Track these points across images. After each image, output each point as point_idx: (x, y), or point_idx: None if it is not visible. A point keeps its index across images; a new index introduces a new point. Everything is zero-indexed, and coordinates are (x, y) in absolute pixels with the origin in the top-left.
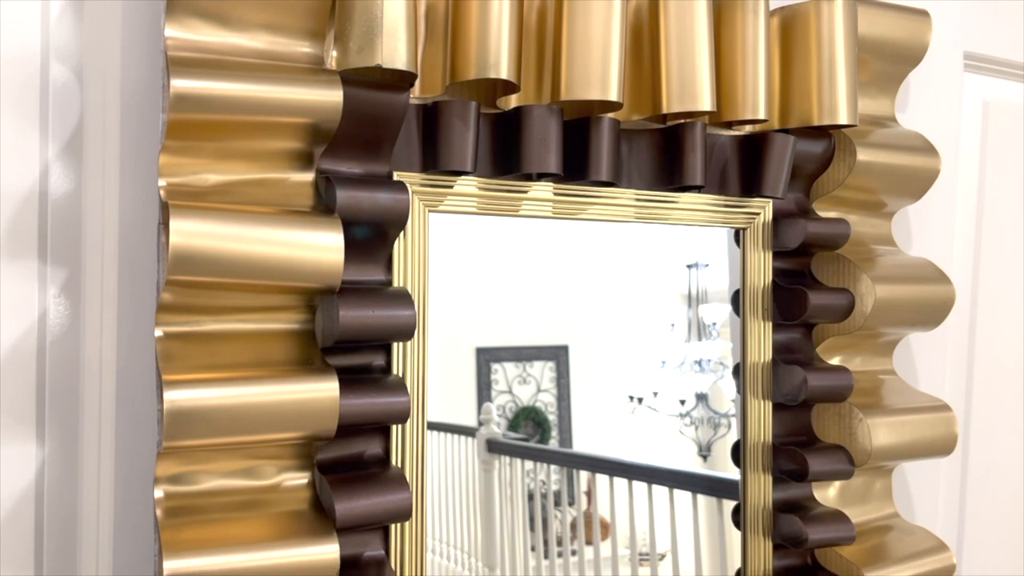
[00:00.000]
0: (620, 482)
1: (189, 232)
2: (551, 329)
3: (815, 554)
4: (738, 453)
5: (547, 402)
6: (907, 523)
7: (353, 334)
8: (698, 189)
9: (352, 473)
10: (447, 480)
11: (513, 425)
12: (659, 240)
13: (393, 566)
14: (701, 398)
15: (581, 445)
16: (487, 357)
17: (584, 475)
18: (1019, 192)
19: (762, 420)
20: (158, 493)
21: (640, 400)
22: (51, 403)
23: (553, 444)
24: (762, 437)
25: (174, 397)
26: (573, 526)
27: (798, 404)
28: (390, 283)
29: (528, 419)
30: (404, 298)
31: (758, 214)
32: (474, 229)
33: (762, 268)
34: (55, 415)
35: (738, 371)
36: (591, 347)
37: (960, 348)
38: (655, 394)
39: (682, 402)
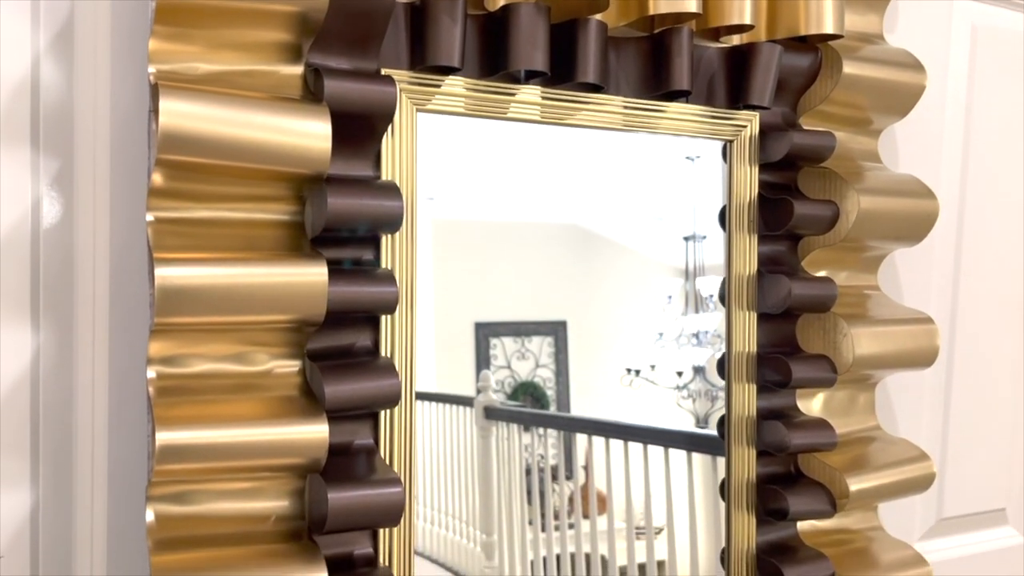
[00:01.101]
0: (617, 454)
1: (179, 113)
2: (549, 304)
3: (798, 462)
4: (723, 365)
5: (546, 377)
6: (889, 435)
7: (341, 222)
8: (685, 96)
9: (341, 361)
10: (445, 451)
11: (512, 400)
12: (657, 211)
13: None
14: (699, 371)
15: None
16: (486, 332)
17: (582, 449)
18: (1007, 116)
19: (747, 331)
20: (151, 373)
21: (638, 372)
22: (45, 290)
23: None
24: (747, 347)
25: (165, 274)
26: (570, 500)
27: (783, 314)
28: (379, 179)
29: (527, 394)
30: (392, 189)
31: (745, 127)
32: (474, 211)
33: (748, 181)
34: (50, 302)
35: (724, 286)
36: (589, 322)
37: (946, 268)
38: (652, 367)
39: (679, 374)
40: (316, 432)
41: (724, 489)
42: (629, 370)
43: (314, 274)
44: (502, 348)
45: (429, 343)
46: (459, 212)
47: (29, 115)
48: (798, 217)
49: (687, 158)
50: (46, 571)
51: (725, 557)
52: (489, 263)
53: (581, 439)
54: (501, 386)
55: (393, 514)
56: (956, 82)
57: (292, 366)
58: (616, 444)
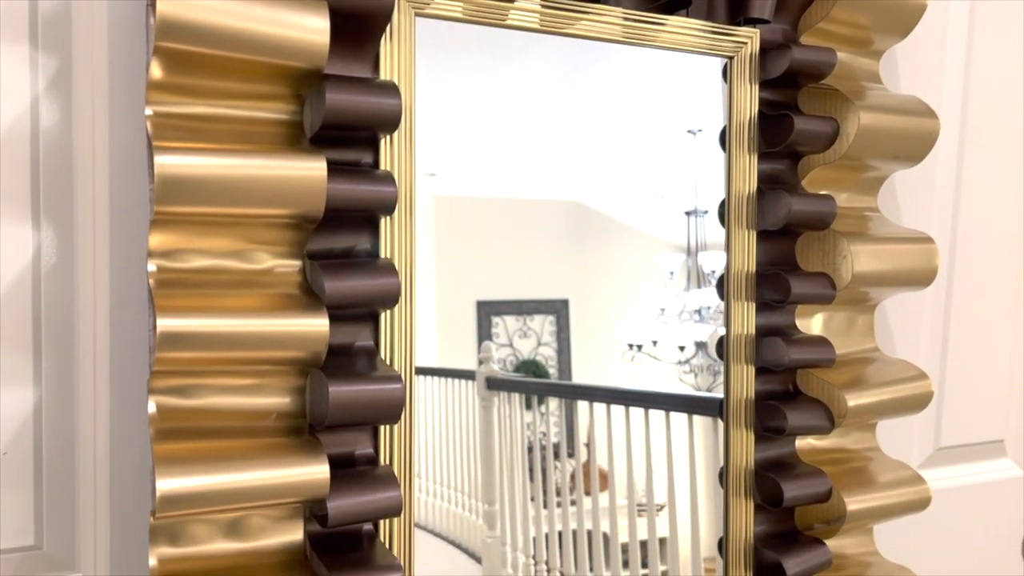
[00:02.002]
0: (618, 427)
1: (175, 1)
2: (551, 283)
3: (796, 381)
4: (722, 286)
5: (547, 356)
6: (888, 356)
7: (339, 118)
8: (685, 6)
9: (341, 260)
10: (446, 424)
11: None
12: (659, 188)
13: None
14: (700, 346)
15: (581, 404)
16: (488, 310)
17: (583, 426)
18: (1010, 37)
19: (746, 249)
20: (151, 267)
21: (640, 347)
22: (46, 188)
23: (552, 397)
24: (746, 266)
25: (165, 162)
26: (572, 477)
27: (782, 233)
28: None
29: (529, 372)
30: (391, 88)
31: (745, 43)
32: (475, 187)
33: (748, 100)
34: (50, 200)
35: (724, 206)
36: (591, 301)
37: (946, 192)
38: (654, 343)
39: (681, 348)
40: (316, 325)
41: (723, 408)
42: (631, 345)
43: (313, 168)
44: (504, 326)
45: (431, 322)
46: (460, 188)
47: (27, 13)
48: (798, 132)
49: (688, 131)
50: (49, 468)
51: (723, 474)
52: (490, 241)
53: (583, 416)
54: (503, 364)
55: (393, 410)
56: (958, 2)
57: (292, 266)
58: (618, 414)
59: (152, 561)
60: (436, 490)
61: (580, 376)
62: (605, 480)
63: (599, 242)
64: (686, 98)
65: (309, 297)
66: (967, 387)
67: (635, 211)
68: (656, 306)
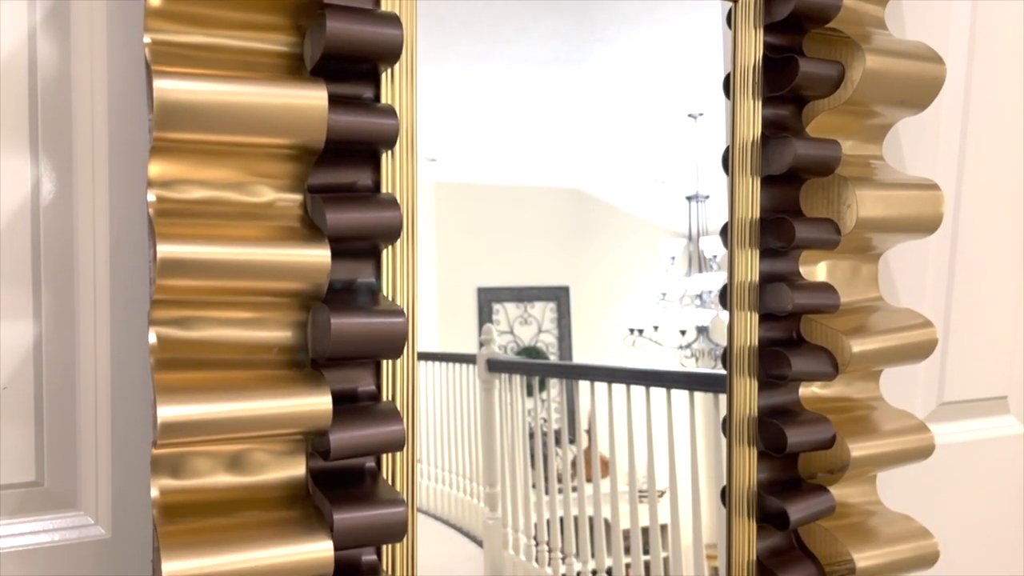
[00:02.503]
0: (620, 408)
1: None
2: (552, 270)
3: (800, 329)
4: (726, 234)
5: (548, 342)
6: (892, 306)
7: (340, 47)
8: None
9: (342, 194)
10: (448, 408)
11: None
12: (660, 174)
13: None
14: (702, 331)
15: (582, 387)
16: (488, 297)
17: (585, 412)
18: None
19: (750, 195)
20: (151, 197)
21: (641, 332)
22: (44, 121)
23: (553, 384)
24: (750, 213)
25: (164, 87)
26: (573, 464)
27: (787, 180)
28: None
29: (530, 359)
30: (392, 18)
31: None
32: (476, 174)
33: (753, 45)
34: (48, 132)
35: (727, 153)
36: (592, 287)
37: (951, 141)
38: (655, 328)
39: (683, 333)
40: (318, 256)
41: (726, 358)
42: (632, 330)
43: (314, 97)
44: (504, 313)
45: (432, 308)
46: (461, 174)
47: None
48: (803, 75)
49: (689, 116)
50: (50, 403)
51: (726, 424)
52: (491, 227)
53: (584, 403)
54: (504, 351)
55: (395, 343)
56: None
57: (293, 200)
58: (619, 398)
59: (154, 492)
60: (437, 475)
61: (581, 362)
62: (606, 466)
63: (600, 228)
64: (687, 82)
65: (310, 230)
66: (972, 342)
67: (636, 197)
68: (657, 291)
